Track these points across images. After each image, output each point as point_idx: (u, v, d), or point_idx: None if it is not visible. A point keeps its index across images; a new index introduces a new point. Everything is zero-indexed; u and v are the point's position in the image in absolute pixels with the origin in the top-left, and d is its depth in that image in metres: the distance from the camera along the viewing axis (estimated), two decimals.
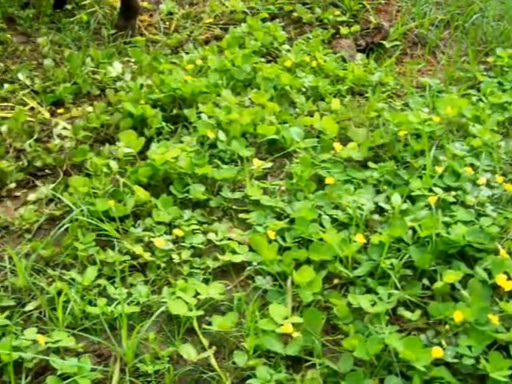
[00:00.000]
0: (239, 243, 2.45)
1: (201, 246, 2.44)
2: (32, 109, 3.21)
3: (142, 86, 3.30)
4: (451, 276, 2.24)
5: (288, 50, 3.78)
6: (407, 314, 2.17)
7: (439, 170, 2.73)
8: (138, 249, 2.38)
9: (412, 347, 1.98)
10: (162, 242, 2.40)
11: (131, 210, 2.55)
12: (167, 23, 4.16)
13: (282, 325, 2.09)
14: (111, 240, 2.43)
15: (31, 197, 2.67)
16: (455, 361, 2.01)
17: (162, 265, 2.36)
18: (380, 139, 2.94)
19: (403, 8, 4.36)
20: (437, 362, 1.99)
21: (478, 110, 3.20)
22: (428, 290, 2.26)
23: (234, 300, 2.23)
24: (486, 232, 2.40)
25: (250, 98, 3.26)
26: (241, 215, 2.58)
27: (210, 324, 2.14)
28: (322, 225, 2.49)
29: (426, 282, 2.28)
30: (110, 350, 2.07)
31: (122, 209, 2.53)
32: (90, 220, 2.46)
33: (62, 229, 2.43)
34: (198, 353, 2.06)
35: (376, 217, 2.57)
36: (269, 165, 2.84)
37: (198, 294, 2.23)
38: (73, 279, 2.27)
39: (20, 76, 3.42)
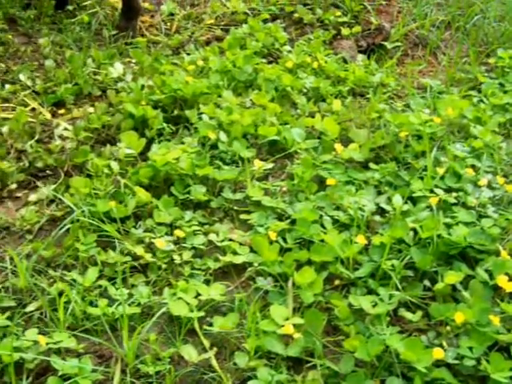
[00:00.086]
0: (240, 244, 2.45)
1: (202, 246, 2.44)
2: (33, 109, 3.22)
3: (143, 86, 3.30)
4: (452, 277, 2.24)
5: (289, 51, 3.79)
6: (408, 315, 2.17)
7: (440, 171, 2.73)
8: (139, 250, 2.38)
9: (413, 348, 1.98)
10: (163, 242, 2.40)
11: (132, 210, 2.55)
12: (168, 24, 4.16)
13: (282, 326, 2.09)
14: (112, 241, 2.42)
15: (32, 197, 2.67)
16: (456, 362, 2.01)
17: (163, 266, 2.36)
18: (381, 140, 2.94)
19: (404, 9, 4.36)
20: (438, 363, 1.99)
21: (479, 111, 3.20)
22: (429, 291, 2.26)
23: (234, 301, 2.23)
24: (487, 233, 2.40)
25: (251, 99, 3.26)
26: (242, 216, 2.58)
27: (211, 325, 2.14)
28: (323, 226, 2.49)
29: (427, 283, 2.28)
30: (111, 351, 2.07)
31: (123, 210, 2.53)
32: (91, 221, 2.46)
33: (63, 230, 2.43)
34: (199, 354, 2.06)
35: (377, 218, 2.57)
36: (270, 166, 2.84)
37: (199, 294, 2.23)
38: (74, 280, 2.27)
39: (21, 77, 3.42)
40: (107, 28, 3.96)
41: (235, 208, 2.63)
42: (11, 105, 3.24)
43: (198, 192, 2.66)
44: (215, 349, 2.08)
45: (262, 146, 2.98)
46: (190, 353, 2.05)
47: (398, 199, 2.60)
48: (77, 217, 2.47)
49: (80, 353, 2.06)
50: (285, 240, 2.44)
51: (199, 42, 3.94)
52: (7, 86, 3.35)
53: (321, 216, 2.53)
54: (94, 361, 2.04)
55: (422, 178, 2.72)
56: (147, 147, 2.88)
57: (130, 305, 2.19)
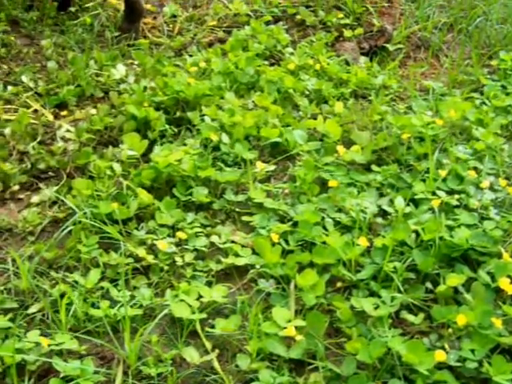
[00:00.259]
0: (242, 246, 2.45)
1: (204, 248, 2.44)
2: (35, 111, 3.22)
3: (145, 88, 3.30)
4: (454, 279, 2.24)
5: (291, 53, 3.78)
6: (410, 318, 2.17)
7: (442, 173, 2.72)
8: (141, 251, 2.38)
9: (415, 351, 1.98)
10: (165, 244, 2.40)
11: (134, 212, 2.55)
12: (171, 26, 4.16)
13: (285, 328, 2.09)
14: (114, 243, 2.43)
15: (34, 199, 2.67)
16: (458, 364, 2.01)
17: (165, 267, 2.36)
18: (383, 142, 2.94)
19: (406, 11, 4.36)
20: (440, 366, 1.99)
21: (482, 114, 3.20)
22: (431, 294, 2.26)
23: (237, 303, 2.23)
24: (489, 235, 2.40)
25: (253, 101, 3.26)
26: (244, 218, 2.58)
27: (213, 327, 2.14)
28: (325, 228, 2.49)
29: (429, 285, 2.28)
30: (112, 353, 2.08)
31: (126, 211, 2.53)
32: (93, 222, 2.46)
33: (66, 231, 2.44)
34: (201, 356, 2.06)
35: (379, 220, 2.57)
36: (272, 167, 2.84)
37: (201, 296, 2.22)
38: (76, 282, 2.27)
39: (23, 78, 3.42)
40: (109, 30, 3.95)
41: (237, 210, 2.63)
42: (13, 106, 3.24)
43: (200, 194, 2.66)
44: (217, 351, 2.08)
45: (264, 148, 2.98)
46: (191, 355, 2.05)
47: (400, 201, 2.59)
48: (79, 218, 2.47)
49: (82, 354, 2.06)
50: (287, 242, 2.44)
51: (201, 44, 3.94)
52: (9, 88, 3.35)
53: (323, 218, 2.53)
54: (95, 362, 2.04)
55: (424, 180, 2.72)
56: (149, 149, 2.88)
57: (131, 306, 2.19)
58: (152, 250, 2.42)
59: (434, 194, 2.65)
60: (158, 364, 2.03)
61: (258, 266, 2.35)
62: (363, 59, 3.84)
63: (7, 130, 2.99)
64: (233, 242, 2.47)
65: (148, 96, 3.21)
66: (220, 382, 2.00)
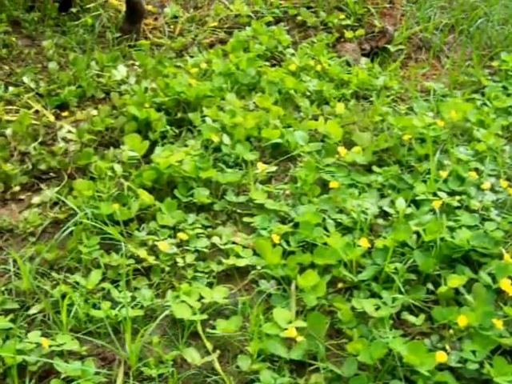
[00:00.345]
0: (243, 247, 2.45)
1: (205, 249, 2.44)
2: (37, 112, 3.22)
3: (146, 89, 3.30)
4: (455, 280, 2.24)
5: (292, 54, 3.78)
6: (411, 319, 2.17)
7: (443, 174, 2.72)
8: (142, 252, 2.38)
9: (416, 352, 1.98)
10: (166, 245, 2.40)
11: (135, 213, 2.55)
12: (172, 27, 4.16)
13: (286, 329, 2.09)
14: (115, 243, 2.43)
15: (35, 200, 2.67)
16: (459, 365, 2.01)
17: (166, 268, 2.36)
18: (384, 143, 2.94)
19: (408, 12, 4.36)
20: (441, 367, 1.99)
21: (483, 115, 3.20)
22: (432, 295, 2.26)
23: (238, 304, 2.23)
24: (490, 236, 2.40)
25: (254, 102, 3.26)
26: (245, 219, 2.58)
27: (214, 328, 2.14)
28: (326, 229, 2.49)
29: (430, 286, 2.28)
30: (113, 354, 2.08)
31: (127, 212, 2.53)
32: (94, 223, 2.46)
33: (67, 232, 2.43)
34: (202, 357, 2.06)
35: (380, 221, 2.57)
36: (273, 169, 2.84)
37: (202, 297, 2.23)
38: (77, 282, 2.28)
39: (25, 79, 3.42)
40: (111, 30, 3.96)
41: (238, 211, 2.63)
42: (15, 107, 3.24)
43: (201, 195, 2.66)
44: (218, 352, 2.08)
45: (266, 149, 2.98)
46: (192, 356, 2.05)
47: (401, 202, 2.59)
48: (80, 219, 2.47)
49: (83, 355, 2.06)
50: (288, 243, 2.44)
51: (203, 45, 3.94)
52: (11, 89, 3.35)
53: (324, 219, 2.53)
54: (96, 363, 2.04)
55: (425, 181, 2.72)
56: (150, 150, 2.88)
57: (132, 307, 2.19)
58: (153, 250, 2.42)
59: (435, 195, 2.65)
60: (159, 365, 2.03)
61: (258, 267, 2.35)
62: (364, 60, 3.84)
63: (8, 131, 2.99)
64: (234, 242, 2.47)
65: (149, 97, 3.21)
66: (221, 382, 2.00)
